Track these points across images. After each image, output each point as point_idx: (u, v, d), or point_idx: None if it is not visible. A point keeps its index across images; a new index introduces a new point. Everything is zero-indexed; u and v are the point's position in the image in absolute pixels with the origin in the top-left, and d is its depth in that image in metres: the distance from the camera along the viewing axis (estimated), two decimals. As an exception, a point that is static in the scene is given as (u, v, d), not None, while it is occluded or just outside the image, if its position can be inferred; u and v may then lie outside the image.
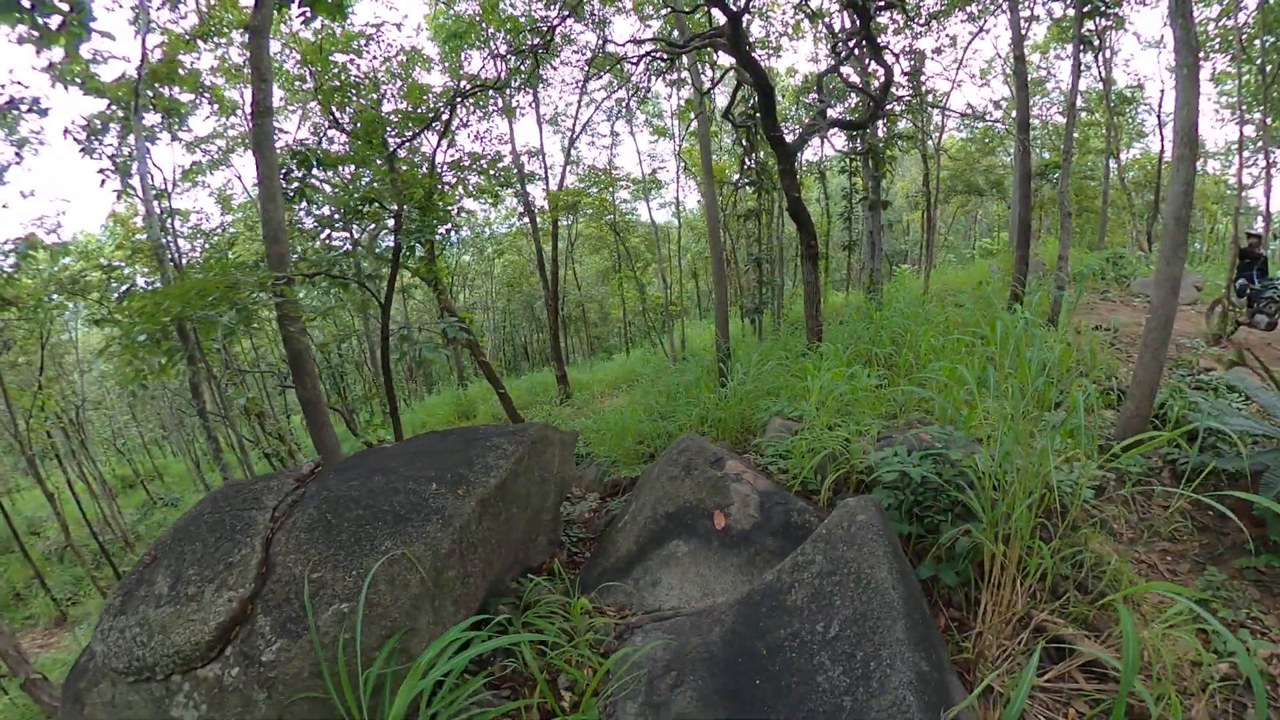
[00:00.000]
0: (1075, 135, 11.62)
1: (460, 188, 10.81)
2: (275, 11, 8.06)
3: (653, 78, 14.84)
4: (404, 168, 10.63)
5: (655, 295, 23.23)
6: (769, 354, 8.37)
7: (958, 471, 3.66)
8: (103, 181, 11.90)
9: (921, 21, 15.08)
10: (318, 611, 3.10)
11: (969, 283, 16.21)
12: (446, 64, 15.86)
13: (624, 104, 19.52)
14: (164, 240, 12.60)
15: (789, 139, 9.03)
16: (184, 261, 16.16)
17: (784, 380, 6.87)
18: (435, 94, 11.28)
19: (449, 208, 10.59)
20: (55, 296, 15.55)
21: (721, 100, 16.27)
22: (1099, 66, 19.80)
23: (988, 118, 21.12)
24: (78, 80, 10.69)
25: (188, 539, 3.70)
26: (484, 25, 15.19)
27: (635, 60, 10.66)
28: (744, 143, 14.52)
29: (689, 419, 6.98)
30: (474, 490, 3.93)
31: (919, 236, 29.52)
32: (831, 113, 14.84)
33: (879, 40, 9.98)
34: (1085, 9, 9.83)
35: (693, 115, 20.34)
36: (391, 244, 10.03)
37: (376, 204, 9.30)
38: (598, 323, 36.69)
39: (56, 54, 10.28)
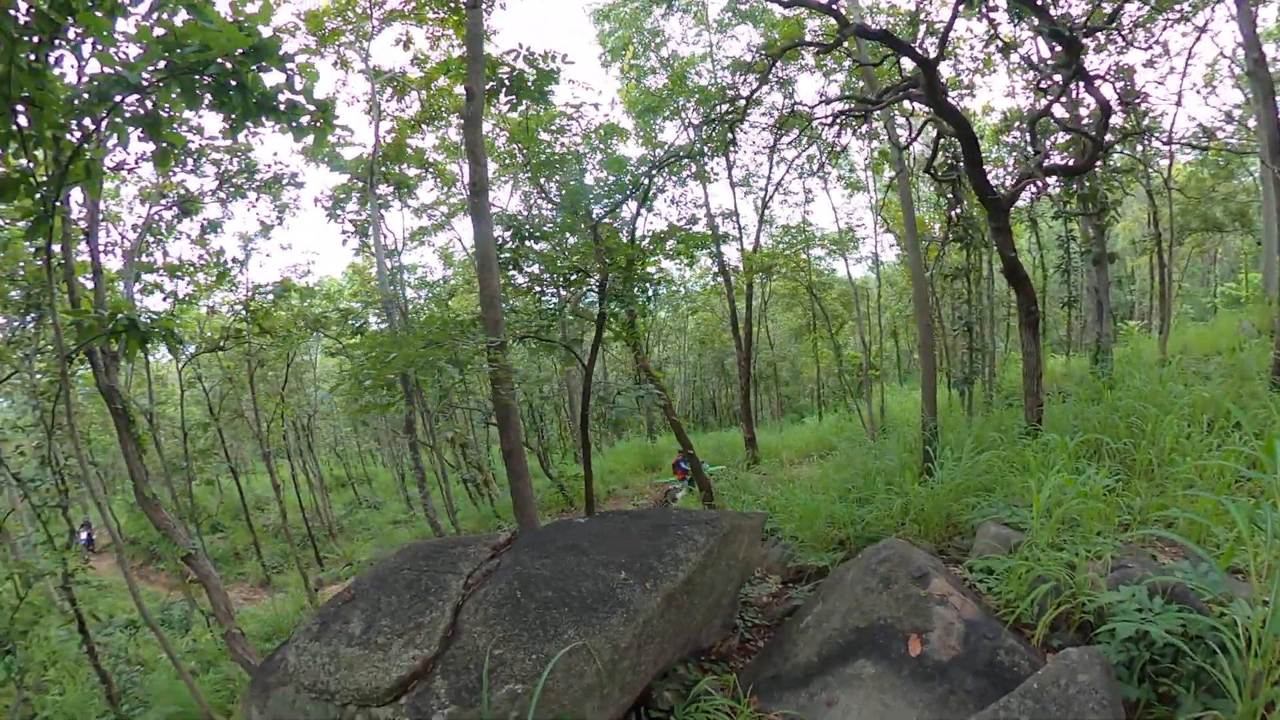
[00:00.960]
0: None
1: (659, 252, 11.08)
2: (485, 101, 8.81)
3: (843, 132, 14.31)
4: (605, 234, 11.05)
5: (851, 355, 22.15)
6: (981, 437, 7.52)
7: (1209, 626, 2.90)
8: (344, 240, 13.91)
9: (1126, 33, 13.09)
10: (494, 687, 3.21)
11: (1214, 344, 13.98)
12: (640, 135, 16.49)
13: (815, 161, 19.17)
14: (394, 290, 14.33)
15: (997, 190, 8.14)
16: (409, 308, 18.12)
17: (999, 473, 6.08)
18: (633, 164, 11.72)
19: (649, 272, 10.90)
20: (302, 327, 18.22)
21: (911, 146, 15.38)
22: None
23: (1219, 134, 17.53)
24: (325, 159, 12.57)
25: (385, 589, 3.97)
26: (675, 98, 15.61)
27: (828, 120, 10.33)
28: (948, 196, 13.58)
29: (888, 509, 6.35)
30: (661, 584, 3.89)
31: (1145, 285, 26.00)
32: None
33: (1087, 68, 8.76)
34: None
35: (886, 169, 19.56)
36: (595, 305, 10.48)
37: (582, 272, 9.72)
38: (788, 381, 35.79)
39: (309, 140, 12.42)
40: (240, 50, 4.81)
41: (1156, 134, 14.12)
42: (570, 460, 22.40)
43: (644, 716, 3.87)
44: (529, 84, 8.80)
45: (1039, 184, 9.44)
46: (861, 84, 13.50)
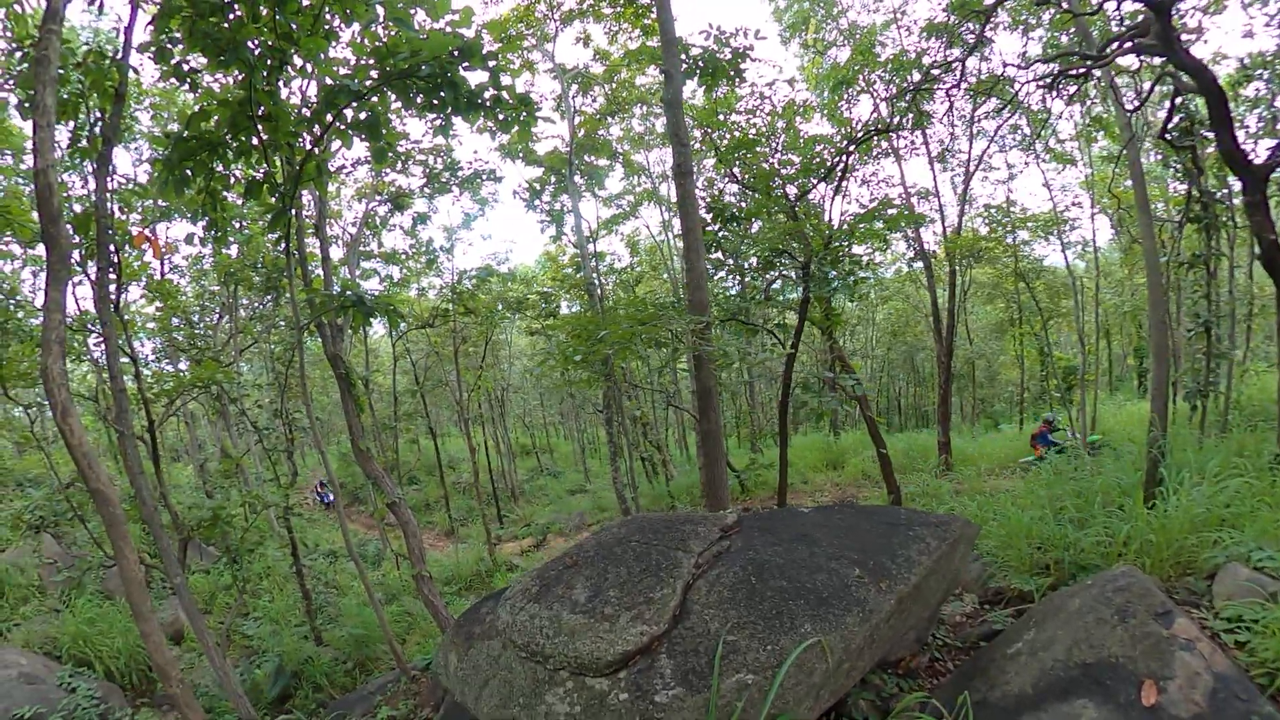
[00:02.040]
0: None
1: (861, 235, 10.62)
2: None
3: (1051, 97, 12.55)
4: (804, 215, 10.78)
5: (1060, 358, 19.73)
6: (1224, 460, 6.48)
7: None
8: (542, 229, 14.67)
9: None
10: (724, 674, 3.12)
11: None
12: (826, 112, 15.75)
13: (1019, 132, 17.34)
14: (593, 279, 15.02)
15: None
16: (601, 293, 18.85)
17: (1247, 505, 5.21)
18: (827, 142, 11.28)
19: (855, 253, 10.47)
20: (501, 309, 20.01)
21: (1142, 109, 13.27)
22: None
23: None
24: (520, 155, 13.30)
25: (612, 560, 4.00)
26: (862, 70, 14.75)
27: (1041, 83, 9.18)
28: (1185, 167, 11.44)
29: (1109, 535, 5.64)
30: (895, 586, 3.70)
31: None
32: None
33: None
34: None
35: (1100, 139, 17.05)
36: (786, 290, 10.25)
37: (785, 253, 9.52)
38: (984, 383, 32.85)
39: (505, 137, 13.46)
40: (450, 51, 5.19)
41: None
42: (747, 449, 22.22)
43: (836, 723, 3.71)
44: (723, 63, 8.72)
45: None
46: (1065, 39, 11.96)
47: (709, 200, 10.50)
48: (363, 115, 5.70)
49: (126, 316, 9.30)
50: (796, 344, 9.29)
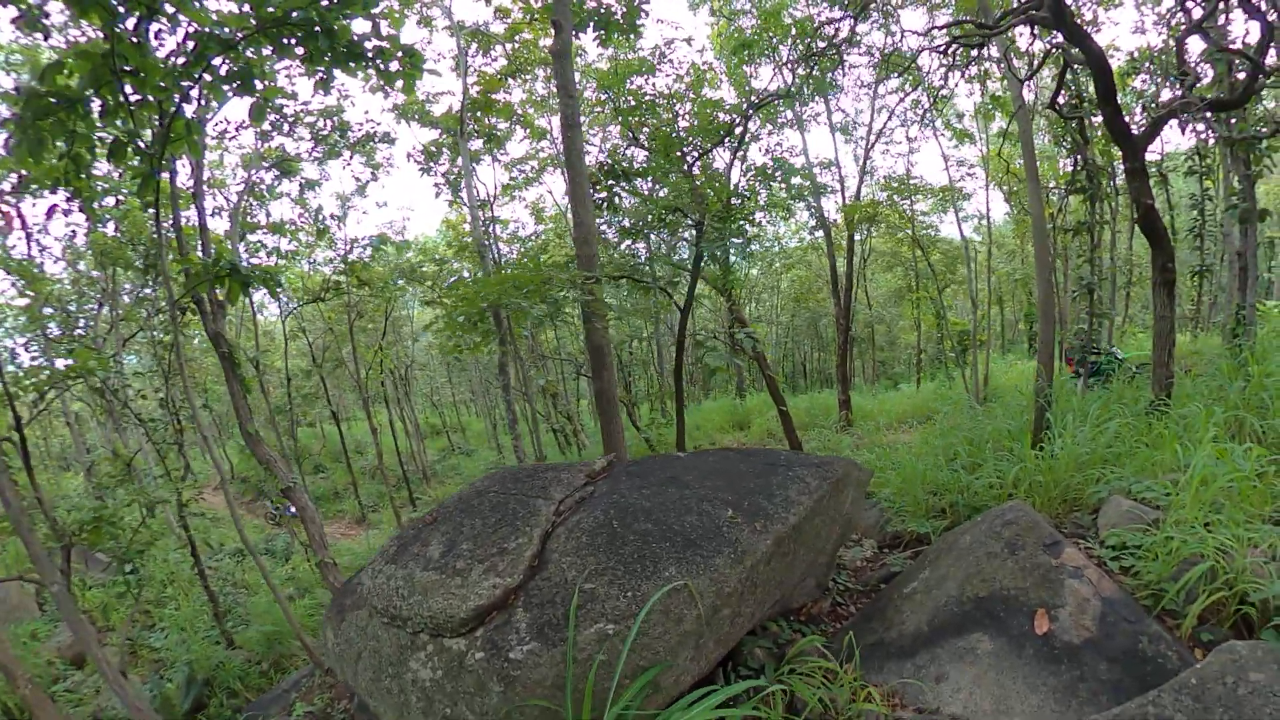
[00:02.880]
0: None
1: (754, 201, 10.64)
2: (575, 37, 8.62)
3: (949, 74, 13.05)
4: (699, 181, 10.73)
5: (955, 321, 20.65)
6: (1105, 407, 6.85)
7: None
8: (437, 194, 14.16)
9: None
10: (581, 625, 2.95)
11: None
12: (732, 79, 15.81)
13: (919, 107, 17.91)
14: (485, 243, 14.57)
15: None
16: (501, 261, 18.43)
17: (1127, 445, 5.49)
18: (727, 109, 11.25)
19: (752, 215, 10.48)
20: (399, 281, 19.40)
21: (1030, 81, 13.91)
22: None
23: None
24: (415, 117, 12.75)
25: (469, 512, 3.78)
26: (769, 35, 14.76)
27: (939, 49, 9.42)
28: (1071, 140, 12.15)
29: (998, 478, 5.88)
30: (772, 526, 3.56)
31: None
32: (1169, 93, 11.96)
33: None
34: None
35: (997, 118, 17.87)
36: (686, 255, 10.15)
37: (679, 213, 9.40)
38: (884, 347, 34.32)
39: (399, 97, 13.00)
40: None
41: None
42: (658, 415, 22.36)
43: (732, 673, 3.63)
44: (616, 17, 8.49)
45: (1182, 119, 8.23)
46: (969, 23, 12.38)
47: (604, 162, 10.31)
48: (235, 67, 5.31)
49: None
50: (689, 300, 9.25)
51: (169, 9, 5.21)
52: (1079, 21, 6.83)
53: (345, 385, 31.22)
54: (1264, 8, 6.70)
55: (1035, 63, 9.99)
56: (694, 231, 9.52)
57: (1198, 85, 9.67)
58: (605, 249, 11.16)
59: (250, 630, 10.82)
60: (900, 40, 14.69)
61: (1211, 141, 13.19)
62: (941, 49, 9.39)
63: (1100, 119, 8.12)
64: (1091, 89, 8.56)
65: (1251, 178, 10.47)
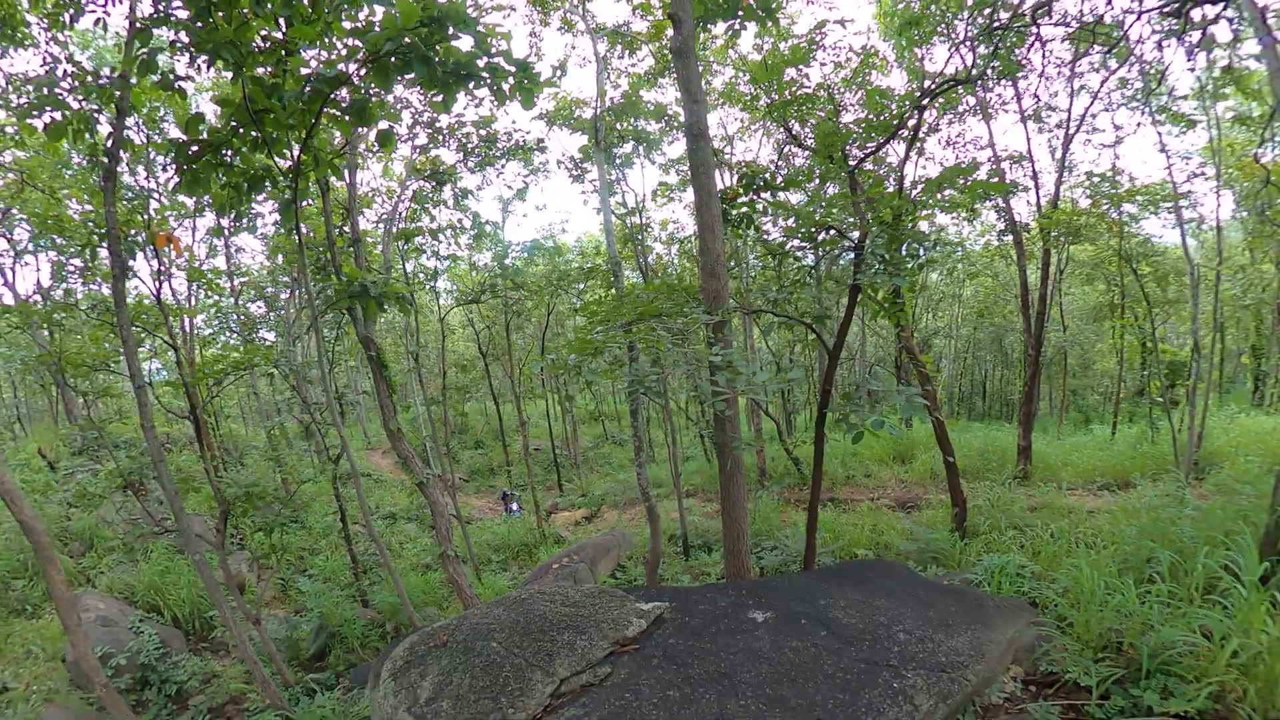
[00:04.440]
0: None
1: (932, 204, 9.27)
2: (702, 31, 7.85)
3: (1167, 43, 10.52)
4: (866, 183, 9.52)
5: (1166, 351, 17.09)
6: None
7: None
8: (585, 201, 14.10)
9: None
10: None
11: None
12: (902, 63, 14.06)
13: (1129, 87, 15.03)
14: (626, 249, 14.07)
15: None
16: (658, 264, 18.03)
17: None
18: (899, 97, 9.91)
19: (920, 230, 9.07)
20: (555, 281, 19.59)
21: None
22: None
23: None
24: (562, 123, 12.57)
25: (468, 657, 3.31)
26: (942, 8, 12.76)
27: (1164, 11, 7.61)
28: None
29: (1205, 639, 4.40)
30: None
31: None
32: None
33: None
34: None
35: (1229, 95, 14.38)
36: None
37: (834, 230, 8.27)
38: (1077, 372, 29.69)
39: (549, 104, 13.04)
40: (420, 21, 4.85)
41: None
42: (811, 437, 21.05)
43: None
44: (751, 2, 7.55)
45: None
46: None
47: (738, 166, 9.31)
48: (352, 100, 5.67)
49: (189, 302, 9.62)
50: (840, 342, 7.94)
51: (306, 54, 5.66)
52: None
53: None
54: None
55: None
56: (850, 251, 8.26)
57: None
58: (735, 279, 10.20)
59: (380, 594, 11.81)
60: (1108, 4, 12.18)
61: None
62: (1164, 9, 7.66)
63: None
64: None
65: None
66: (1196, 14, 7.64)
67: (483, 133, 12.23)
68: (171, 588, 10.57)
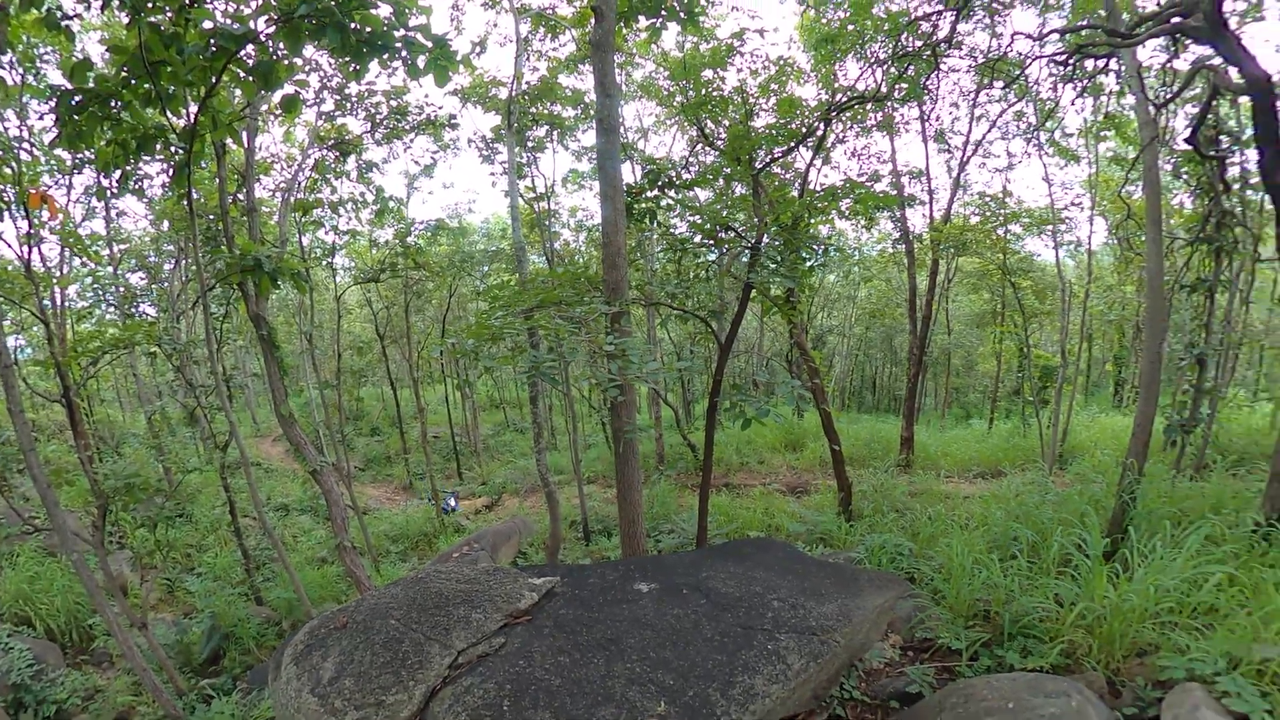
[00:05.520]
0: None
1: (832, 209, 9.68)
2: (624, 26, 7.94)
3: (1060, 86, 11.67)
4: (770, 186, 9.83)
5: (1040, 356, 18.79)
6: (1192, 510, 5.82)
7: None
8: (493, 183, 13.97)
9: None
10: None
11: None
12: (819, 74, 14.68)
13: (1023, 119, 16.43)
14: (531, 235, 13.87)
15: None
16: (566, 250, 17.95)
17: (1219, 594, 4.49)
18: (810, 107, 10.32)
19: (820, 233, 9.43)
20: (457, 263, 19.31)
21: (1167, 107, 12.32)
22: None
23: None
24: (477, 101, 12.32)
25: (368, 635, 3.29)
26: (859, 30, 13.48)
27: (1059, 60, 8.24)
28: (1206, 182, 10.52)
29: (1057, 604, 4.94)
30: None
31: None
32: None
33: None
34: None
35: (1108, 137, 16.09)
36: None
37: (732, 230, 8.50)
38: (960, 372, 32.19)
39: (465, 79, 12.73)
40: None
41: None
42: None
43: None
44: (673, 3, 7.71)
45: None
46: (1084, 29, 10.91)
47: (645, 160, 9.49)
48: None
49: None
50: (732, 336, 8.25)
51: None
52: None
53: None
54: None
55: (1177, 84, 8.55)
56: (747, 250, 8.52)
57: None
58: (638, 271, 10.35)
59: (275, 590, 11.35)
60: (1009, 45, 13.28)
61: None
62: (1058, 58, 8.28)
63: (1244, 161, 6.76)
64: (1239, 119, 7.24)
65: None
66: (1089, 64, 8.28)
67: (394, 104, 11.82)
68: (43, 595, 9.78)
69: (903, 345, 29.38)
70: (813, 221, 9.25)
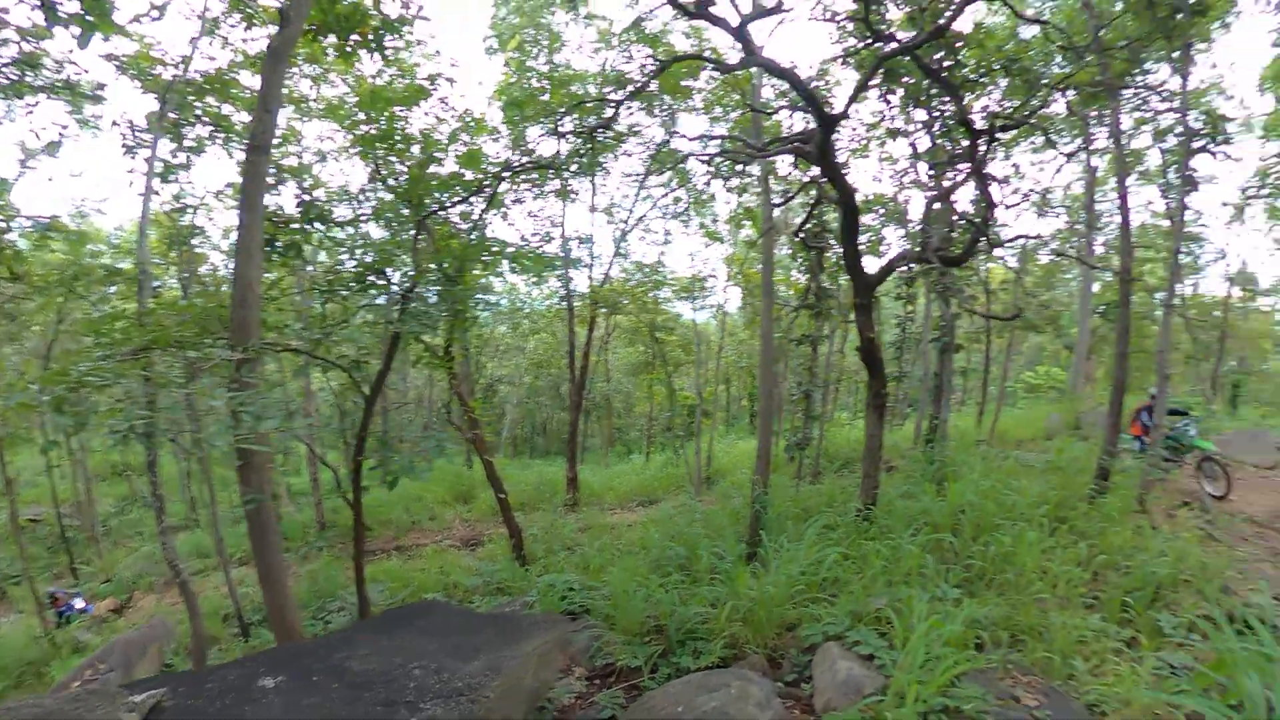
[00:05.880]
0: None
1: (495, 265, 9.78)
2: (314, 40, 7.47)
3: (714, 181, 14.02)
4: (439, 233, 9.67)
5: (685, 396, 21.50)
6: (812, 507, 7.07)
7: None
8: (130, 182, 11.31)
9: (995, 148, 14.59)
10: None
11: (1027, 431, 16.04)
12: (510, 137, 15.18)
13: (680, 204, 18.97)
14: (150, 256, 11.36)
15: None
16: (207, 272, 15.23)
17: (841, 569, 5.53)
18: (495, 162, 10.53)
19: (487, 287, 9.38)
20: (69, 279, 14.73)
21: (784, 205, 15.46)
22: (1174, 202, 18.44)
23: (1054, 246, 19.41)
24: (136, 75, 10.27)
25: None
26: (550, 102, 14.28)
27: (705, 159, 9.75)
28: (810, 263, 13.50)
29: (712, 606, 5.55)
30: None
31: (963, 364, 28.40)
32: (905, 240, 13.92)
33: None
34: (1195, 145, 8.46)
35: (747, 226, 19.50)
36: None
37: (380, 275, 7.82)
38: (621, 413, 35.59)
39: (127, 46, 10.23)
40: None
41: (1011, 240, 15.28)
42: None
43: None
44: (369, 23, 7.37)
45: (909, 267, 9.47)
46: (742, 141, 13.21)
47: (301, 199, 8.89)
48: None
49: None
50: (378, 389, 7.75)
51: None
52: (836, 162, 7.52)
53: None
54: (990, 188, 7.95)
55: (790, 191, 10.99)
56: (398, 297, 8.01)
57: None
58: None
59: None
60: (671, 142, 15.21)
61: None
62: (706, 159, 9.84)
63: (837, 251, 9.06)
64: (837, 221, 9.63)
65: (952, 318, 12.56)
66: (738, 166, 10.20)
67: (27, 47, 8.88)
68: None
69: (569, 392, 31.47)
70: (478, 274, 9.35)
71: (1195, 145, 8.47)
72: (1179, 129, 9.26)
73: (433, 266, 8.04)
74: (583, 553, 9.95)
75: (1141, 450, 9.33)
